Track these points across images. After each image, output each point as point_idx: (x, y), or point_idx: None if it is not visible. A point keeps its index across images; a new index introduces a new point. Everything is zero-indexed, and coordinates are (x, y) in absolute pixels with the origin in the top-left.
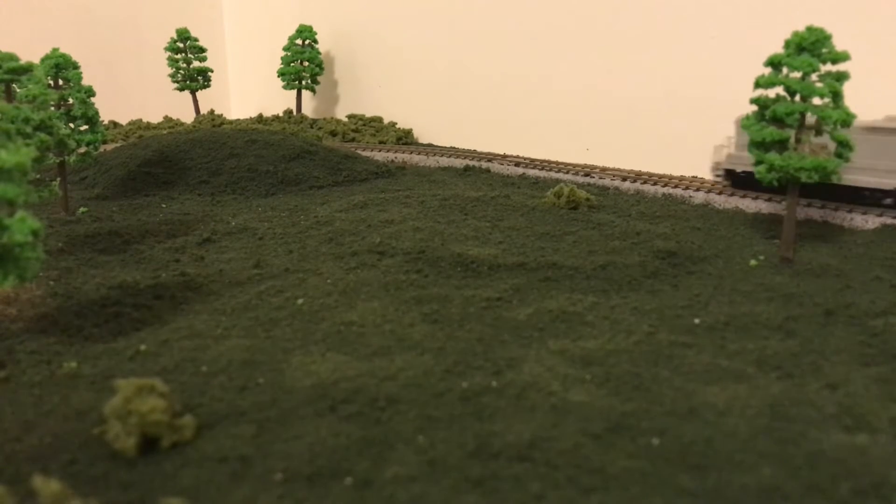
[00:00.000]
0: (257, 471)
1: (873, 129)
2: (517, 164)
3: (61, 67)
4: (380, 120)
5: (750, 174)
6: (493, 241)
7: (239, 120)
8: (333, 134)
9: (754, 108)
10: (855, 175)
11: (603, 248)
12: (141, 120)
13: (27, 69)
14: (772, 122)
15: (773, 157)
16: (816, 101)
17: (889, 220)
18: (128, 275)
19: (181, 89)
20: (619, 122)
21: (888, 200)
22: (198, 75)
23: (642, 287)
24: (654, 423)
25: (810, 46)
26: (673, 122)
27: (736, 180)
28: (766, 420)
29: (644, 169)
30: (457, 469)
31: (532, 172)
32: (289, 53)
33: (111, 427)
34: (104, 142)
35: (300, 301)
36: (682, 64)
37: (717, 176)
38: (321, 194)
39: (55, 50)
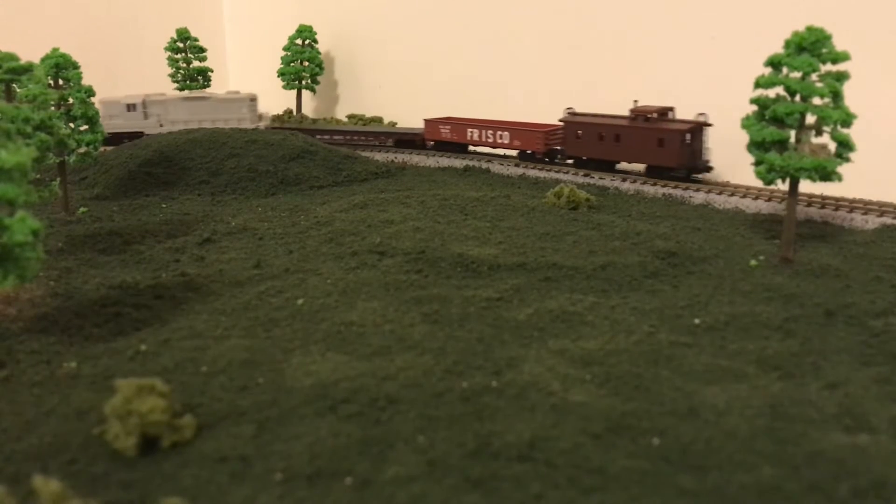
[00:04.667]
0: (257, 471)
1: (189, 98)
2: (517, 165)
3: (61, 67)
4: (380, 120)
5: None
6: (493, 241)
7: None
8: None
9: (754, 107)
10: (178, 126)
11: (603, 248)
12: None
13: (27, 69)
14: (772, 122)
15: (773, 157)
16: (816, 101)
17: (889, 221)
18: (128, 275)
19: (181, 89)
20: None
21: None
22: (198, 75)
23: (642, 287)
24: (654, 423)
25: (810, 46)
26: None
27: None
28: (766, 420)
29: None
30: (457, 469)
31: (532, 173)
32: (289, 53)
33: (111, 427)
34: (104, 142)
35: (300, 301)
36: None
37: None
38: (321, 194)
39: (55, 50)
